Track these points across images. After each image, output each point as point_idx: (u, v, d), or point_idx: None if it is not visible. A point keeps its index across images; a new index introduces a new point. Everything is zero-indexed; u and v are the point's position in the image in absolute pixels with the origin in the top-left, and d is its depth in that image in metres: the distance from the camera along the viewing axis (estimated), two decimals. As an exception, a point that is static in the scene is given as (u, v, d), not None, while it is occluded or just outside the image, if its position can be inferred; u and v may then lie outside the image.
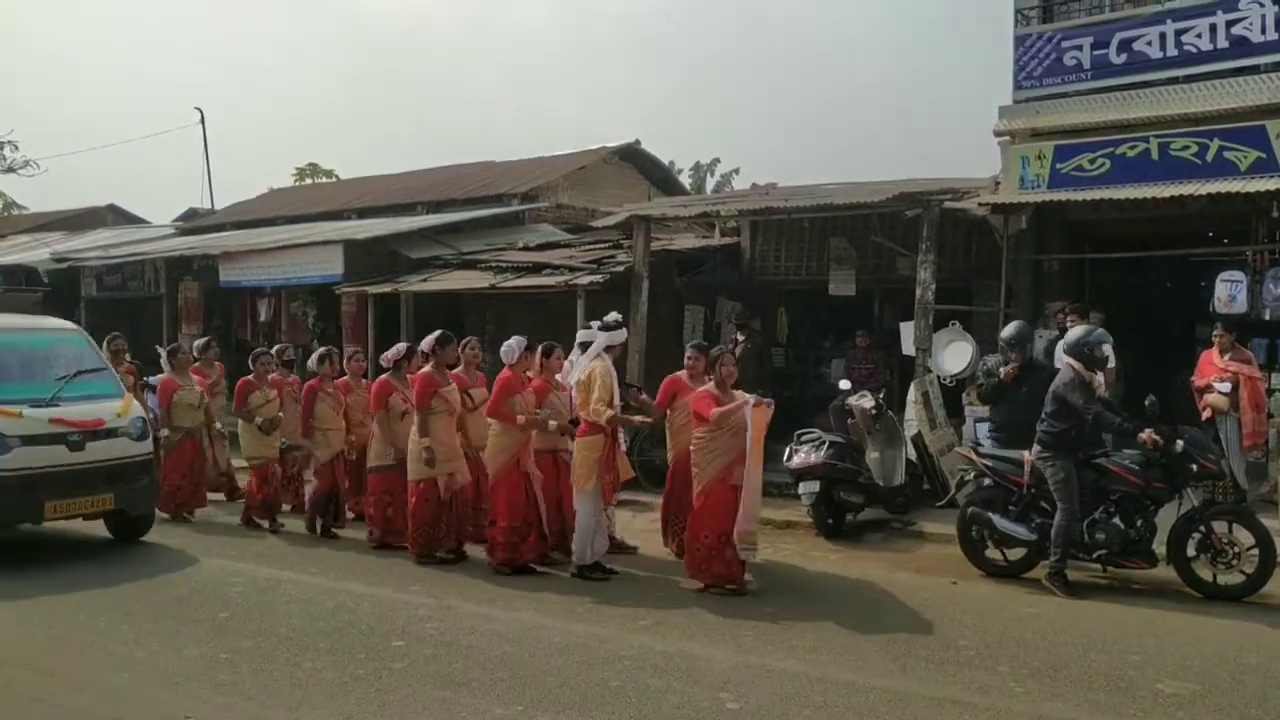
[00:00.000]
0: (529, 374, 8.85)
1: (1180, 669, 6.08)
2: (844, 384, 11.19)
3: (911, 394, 11.29)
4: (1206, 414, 10.19)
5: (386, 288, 15.99)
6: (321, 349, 10.84)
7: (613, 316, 8.85)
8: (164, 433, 11.11)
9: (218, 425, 11.90)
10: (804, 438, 10.20)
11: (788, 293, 15.53)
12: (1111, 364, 9.89)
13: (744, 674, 5.96)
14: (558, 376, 8.91)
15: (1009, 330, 9.68)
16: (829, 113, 68.02)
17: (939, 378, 11.50)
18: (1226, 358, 10.11)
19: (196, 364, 12.09)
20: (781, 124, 67.03)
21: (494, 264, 16.04)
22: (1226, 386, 10.02)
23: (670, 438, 9.05)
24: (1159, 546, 7.97)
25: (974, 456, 8.77)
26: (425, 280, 16.10)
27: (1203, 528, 7.89)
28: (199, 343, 12.84)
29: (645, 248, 13.88)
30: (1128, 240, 12.70)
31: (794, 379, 15.25)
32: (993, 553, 8.54)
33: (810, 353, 15.58)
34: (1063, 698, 5.61)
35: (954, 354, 11.59)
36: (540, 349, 8.88)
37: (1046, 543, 8.11)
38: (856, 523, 10.23)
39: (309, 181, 36.66)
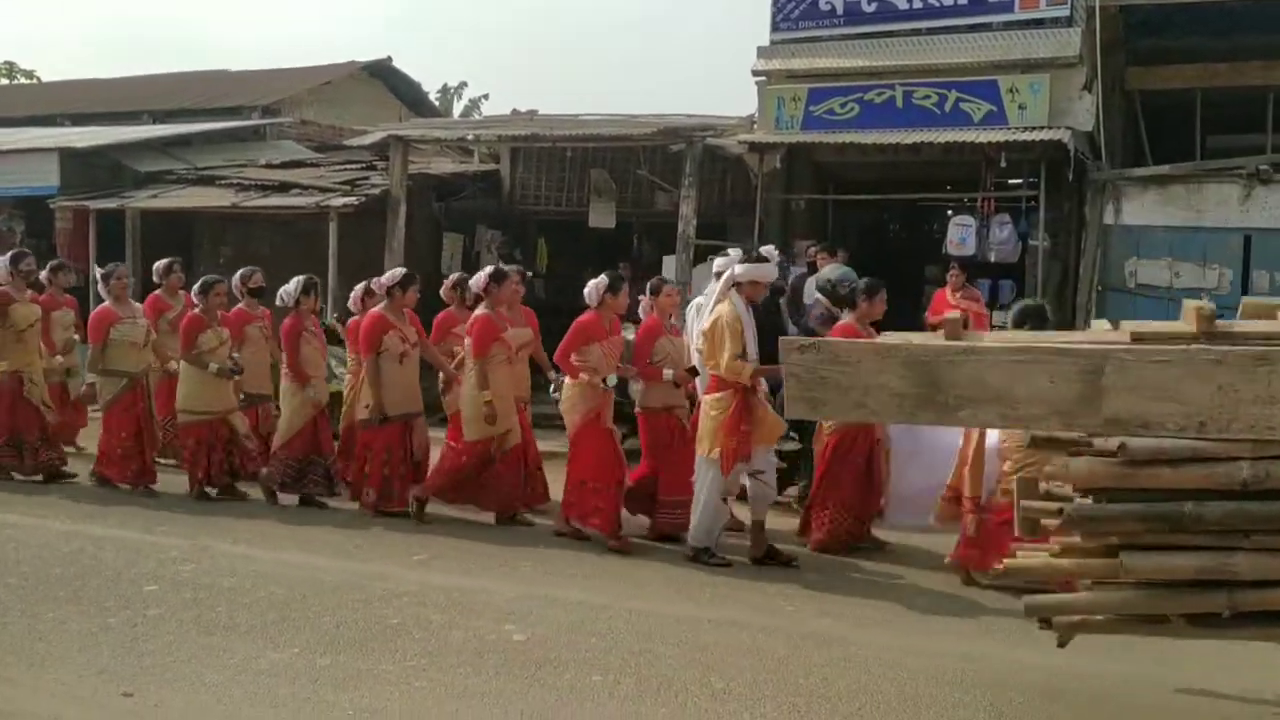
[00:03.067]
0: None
1: (929, 589, 6.59)
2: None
3: (673, 326, 11.52)
4: (939, 348, 11.00)
5: (111, 203, 14.61)
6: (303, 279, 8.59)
7: (767, 248, 7.33)
8: (89, 379, 8.87)
9: (172, 365, 9.03)
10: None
11: (548, 223, 15.45)
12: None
13: (528, 605, 5.96)
14: (690, 321, 7.73)
15: (831, 272, 9.96)
16: (583, 42, 67.74)
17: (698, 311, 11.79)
18: (958, 296, 10.93)
19: (157, 290, 9.71)
20: (533, 51, 66.11)
21: (235, 181, 15.00)
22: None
23: None
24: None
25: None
26: (156, 196, 14.84)
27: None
28: (160, 264, 9.77)
29: (403, 171, 13.38)
30: (869, 184, 13.43)
31: (552, 310, 15.23)
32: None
33: (570, 284, 15.59)
34: (830, 615, 5.97)
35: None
36: (649, 285, 7.68)
37: (797, 469, 8.55)
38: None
39: (5, 82, 32.83)
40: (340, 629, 5.53)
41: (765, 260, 7.07)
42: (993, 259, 11.60)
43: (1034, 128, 11.18)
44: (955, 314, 4.13)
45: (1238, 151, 12.39)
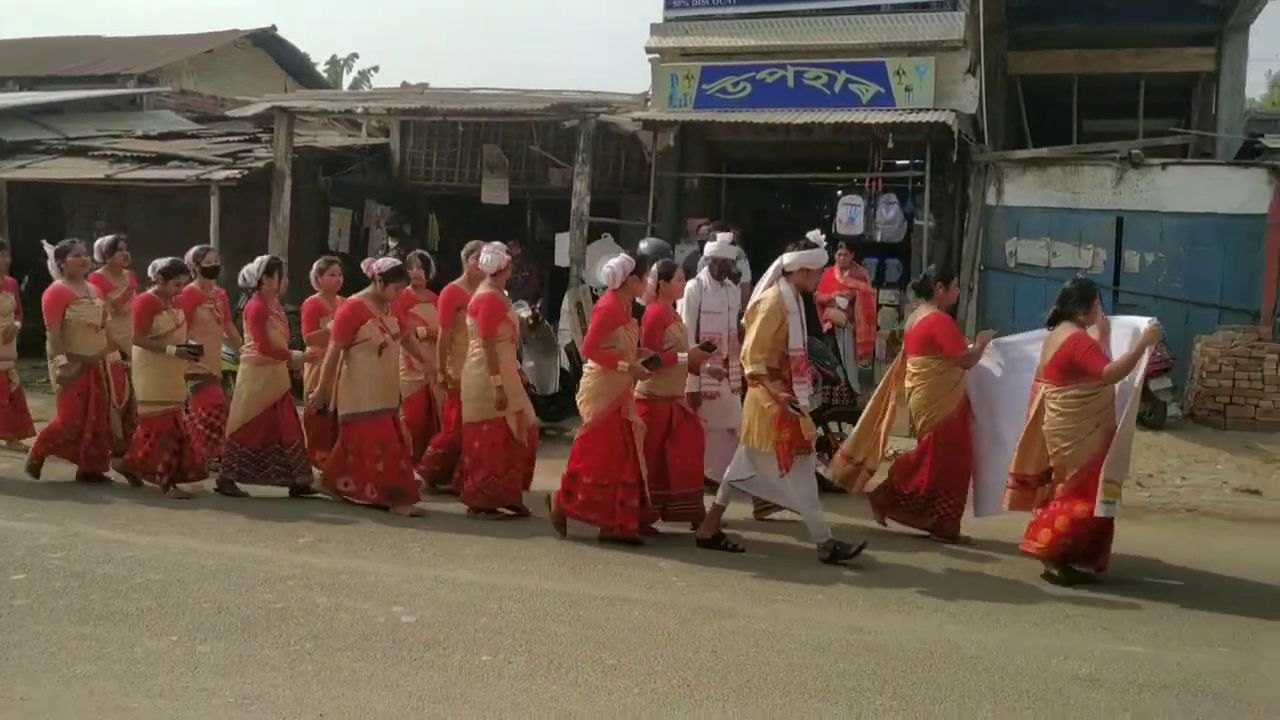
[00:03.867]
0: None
1: (815, 559, 6.72)
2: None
3: (566, 304, 11.53)
4: (827, 326, 11.19)
5: (-26, 173, 13.90)
6: (268, 257, 8.25)
7: (814, 234, 6.80)
8: (61, 361, 8.10)
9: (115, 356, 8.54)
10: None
11: (439, 198, 15.23)
12: (745, 279, 10.62)
13: (416, 586, 5.87)
14: (679, 304, 7.30)
15: (645, 245, 10.06)
16: (479, 17, 66.72)
17: (591, 289, 11.79)
18: (846, 275, 11.13)
19: (99, 270, 8.94)
20: (426, 24, 64.90)
21: (109, 152, 14.40)
22: (844, 301, 11.05)
23: (934, 399, 7.21)
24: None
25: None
26: (23, 167, 14.15)
27: (821, 429, 8.75)
28: (104, 241, 9.17)
29: (288, 143, 13.04)
30: (761, 163, 13.57)
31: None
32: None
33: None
34: (719, 588, 6.03)
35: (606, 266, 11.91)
36: (657, 269, 7.02)
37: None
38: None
39: None
40: (221, 614, 5.37)
41: (815, 246, 6.67)
42: (880, 238, 11.86)
43: (920, 109, 11.45)
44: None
45: (1112, 136, 12.91)
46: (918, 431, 7.30)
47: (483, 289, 7.46)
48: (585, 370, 6.98)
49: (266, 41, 20.32)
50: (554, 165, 13.55)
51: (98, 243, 9.19)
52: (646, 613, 5.55)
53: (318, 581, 5.92)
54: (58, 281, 8.22)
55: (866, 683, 4.72)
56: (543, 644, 5.06)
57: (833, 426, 8.90)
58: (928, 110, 11.38)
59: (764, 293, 6.65)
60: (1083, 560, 6.36)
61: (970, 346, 7.26)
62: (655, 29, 12.87)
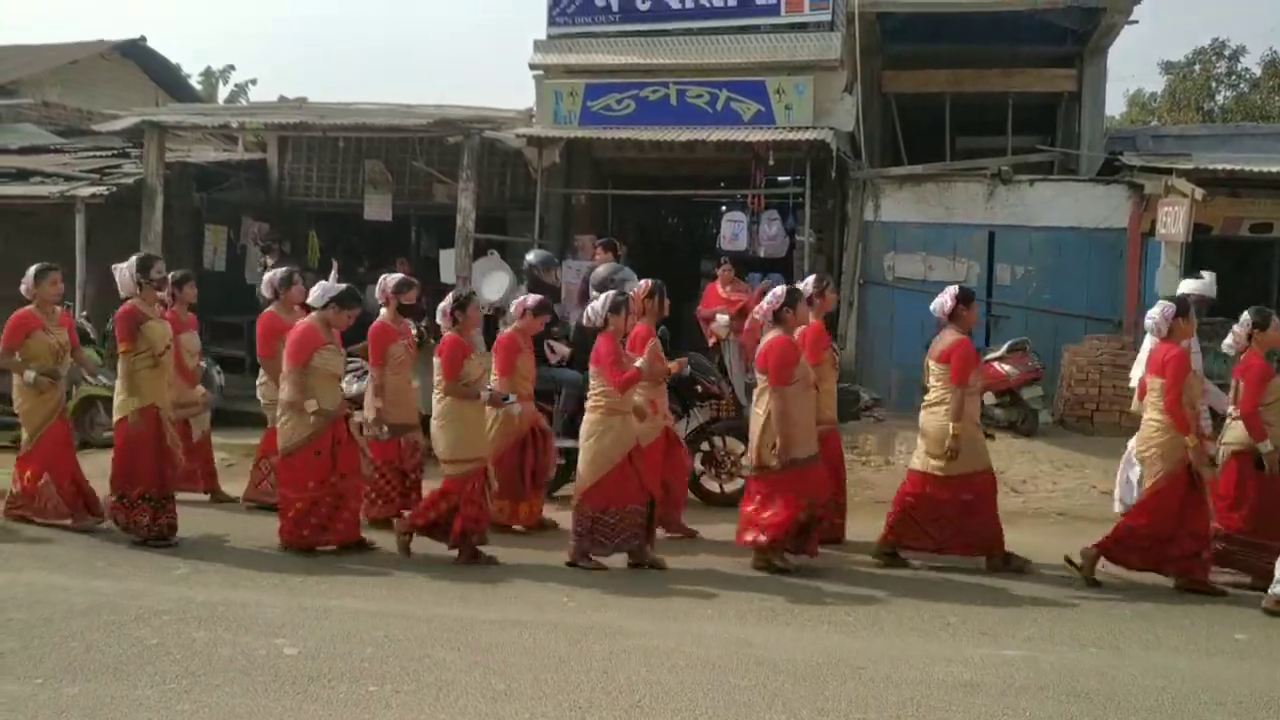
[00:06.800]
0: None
1: (705, 575, 6.77)
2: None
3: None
4: (712, 341, 11.32)
5: None
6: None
7: (1206, 277, 7.11)
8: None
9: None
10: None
11: (320, 214, 14.92)
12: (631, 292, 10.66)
13: (299, 617, 5.71)
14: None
15: (533, 256, 10.08)
16: (355, 29, 65.61)
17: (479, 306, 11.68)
18: (729, 290, 11.27)
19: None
20: (304, 37, 63.52)
21: (-36, 168, 13.69)
22: (726, 317, 11.19)
23: None
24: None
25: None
26: None
27: (707, 443, 8.85)
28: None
29: (159, 159, 12.59)
30: (645, 180, 13.65)
31: (326, 305, 14.75)
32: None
33: (344, 278, 15.03)
34: (610, 608, 6.03)
35: (493, 283, 11.81)
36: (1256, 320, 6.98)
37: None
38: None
39: None
40: (91, 653, 5.14)
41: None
42: (763, 254, 12.04)
43: (799, 127, 11.65)
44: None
45: (983, 153, 13.36)
46: None
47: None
48: (1155, 425, 6.82)
49: (136, 53, 19.62)
50: (438, 180, 13.40)
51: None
52: (537, 635, 5.51)
53: (195, 615, 5.72)
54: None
55: (756, 697, 4.76)
56: (431, 671, 4.97)
57: (718, 441, 8.96)
58: (807, 128, 11.59)
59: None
60: None
61: None
62: (539, 45, 12.85)
